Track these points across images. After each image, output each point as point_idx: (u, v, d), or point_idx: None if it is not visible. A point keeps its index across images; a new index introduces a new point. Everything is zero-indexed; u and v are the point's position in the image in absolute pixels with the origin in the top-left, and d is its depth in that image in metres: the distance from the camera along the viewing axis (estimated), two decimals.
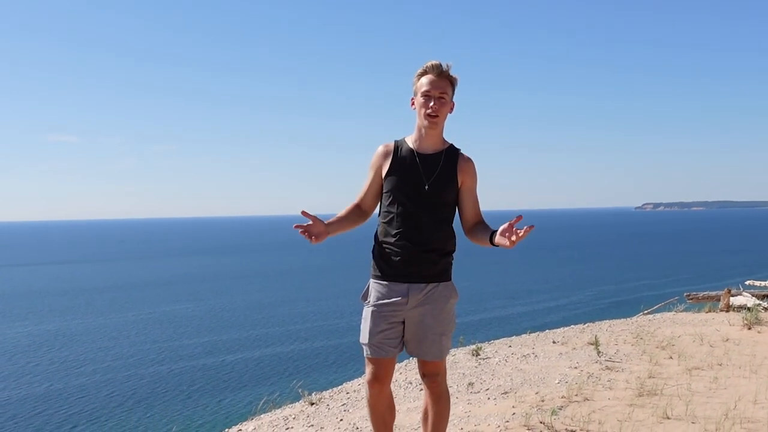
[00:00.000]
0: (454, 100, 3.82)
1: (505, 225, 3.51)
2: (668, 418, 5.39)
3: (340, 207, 4.03)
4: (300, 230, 3.65)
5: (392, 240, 3.77)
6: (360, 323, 3.93)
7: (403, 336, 3.85)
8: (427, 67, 3.76)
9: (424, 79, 3.74)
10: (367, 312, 3.87)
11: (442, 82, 3.72)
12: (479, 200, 3.94)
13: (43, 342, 42.40)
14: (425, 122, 3.74)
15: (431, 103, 3.70)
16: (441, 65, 3.73)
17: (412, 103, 3.83)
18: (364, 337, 3.86)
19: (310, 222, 3.71)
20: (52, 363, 36.60)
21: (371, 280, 3.90)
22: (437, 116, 3.71)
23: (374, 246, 3.91)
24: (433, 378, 3.87)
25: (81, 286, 75.20)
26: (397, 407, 5.13)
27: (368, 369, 3.90)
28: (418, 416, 6.01)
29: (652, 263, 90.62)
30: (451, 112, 3.82)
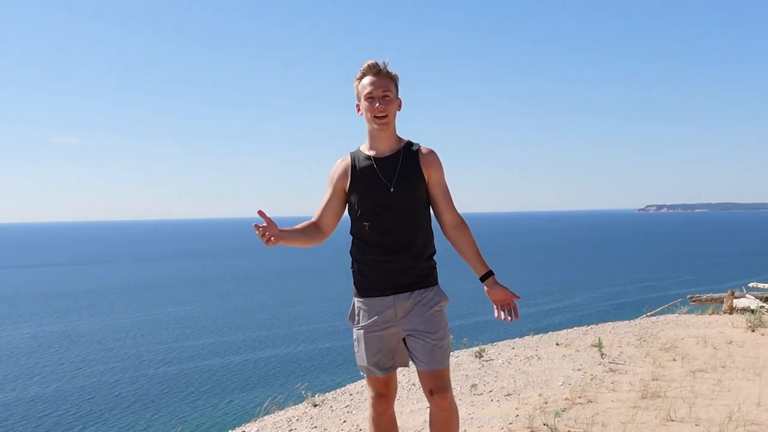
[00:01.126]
0: (400, 97, 3.67)
1: (507, 299, 3.64)
2: (672, 420, 5.37)
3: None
4: (258, 231, 3.57)
5: (368, 254, 3.63)
6: (354, 346, 3.79)
7: (397, 351, 3.71)
8: (363, 69, 3.62)
9: (365, 80, 3.60)
10: (358, 335, 3.73)
11: (383, 80, 3.58)
12: (451, 194, 3.76)
13: (49, 343, 42.36)
14: (374, 125, 3.60)
15: (376, 104, 3.55)
16: (377, 64, 3.59)
17: (358, 109, 3.68)
18: (360, 360, 3.74)
19: (265, 224, 3.61)
20: (59, 364, 36.58)
21: (355, 299, 3.77)
22: (386, 116, 3.57)
23: (352, 264, 3.78)
24: (443, 394, 3.59)
25: (85, 287, 75.26)
26: (400, 409, 5.12)
27: (370, 388, 3.80)
28: (422, 418, 6.01)
29: (655, 265, 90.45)
30: (399, 110, 3.67)
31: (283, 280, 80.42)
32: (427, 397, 3.70)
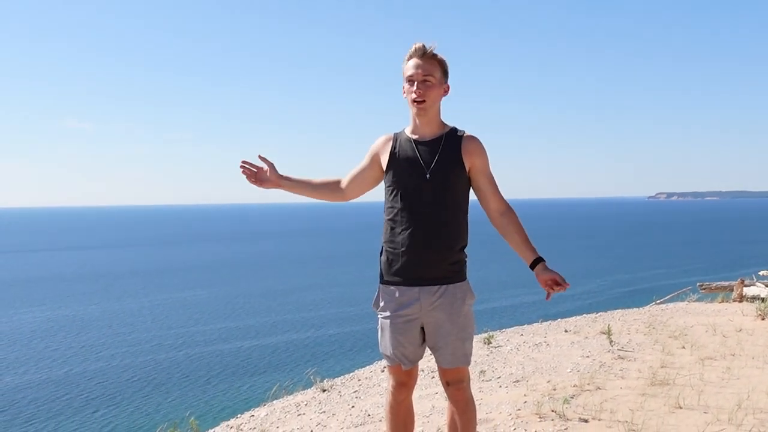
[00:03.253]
0: (449, 83, 3.59)
1: (557, 279, 3.49)
2: (680, 407, 5.34)
3: (366, 195, 3.91)
4: (243, 168, 3.70)
5: (398, 239, 3.53)
6: (378, 333, 3.73)
7: (421, 341, 3.64)
8: (411, 51, 3.52)
9: (410, 62, 3.51)
10: (382, 323, 3.65)
11: (427, 64, 3.48)
12: (496, 181, 3.67)
13: (61, 327, 42.74)
14: (413, 109, 3.53)
15: (414, 88, 3.47)
16: (424, 46, 3.48)
17: (403, 92, 3.60)
18: (383, 348, 3.67)
19: (263, 166, 3.72)
20: (70, 348, 36.94)
21: (380, 286, 3.67)
22: (424, 101, 3.48)
23: (381, 247, 3.68)
24: (458, 385, 3.61)
25: (97, 271, 75.65)
26: None
27: (392, 377, 3.74)
28: (430, 404, 6.00)
29: (664, 253, 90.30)
30: (445, 95, 3.60)
31: (294, 265, 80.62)
32: (444, 388, 3.71)
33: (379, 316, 3.68)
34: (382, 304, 3.65)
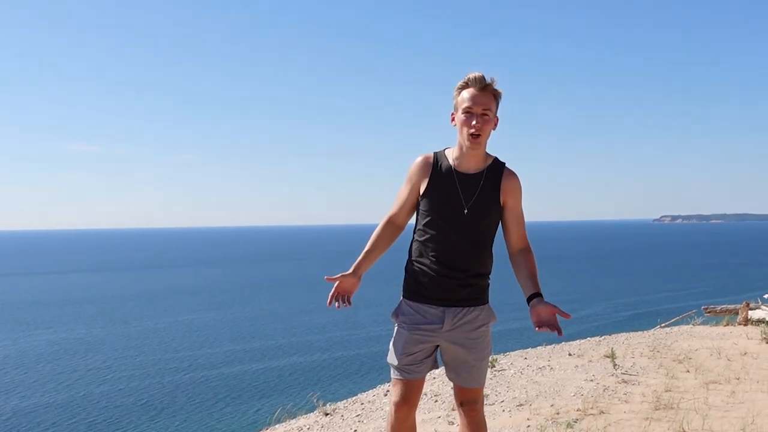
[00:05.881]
0: (498, 115, 3.51)
1: (550, 318, 3.42)
2: None
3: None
4: (335, 304, 3.65)
5: (428, 261, 3.54)
6: (390, 342, 3.69)
7: (431, 356, 3.62)
8: (468, 79, 3.42)
9: (466, 94, 3.41)
10: (399, 333, 3.63)
11: (486, 98, 3.39)
12: (525, 218, 3.68)
13: (67, 350, 42.65)
14: (467, 142, 3.44)
15: (473, 122, 3.38)
16: (484, 78, 3.39)
17: (452, 119, 3.51)
18: (392, 358, 3.63)
19: (337, 284, 3.63)
20: (76, 371, 36.83)
21: (403, 300, 3.67)
22: (480, 135, 3.40)
23: (408, 263, 3.67)
24: (472, 406, 3.62)
25: (104, 294, 75.57)
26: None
27: (396, 390, 3.64)
28: (432, 428, 5.95)
29: (669, 276, 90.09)
30: (494, 129, 3.50)
31: (299, 288, 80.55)
32: (456, 408, 3.69)
33: (396, 325, 3.67)
34: (402, 316, 3.64)
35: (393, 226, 3.74)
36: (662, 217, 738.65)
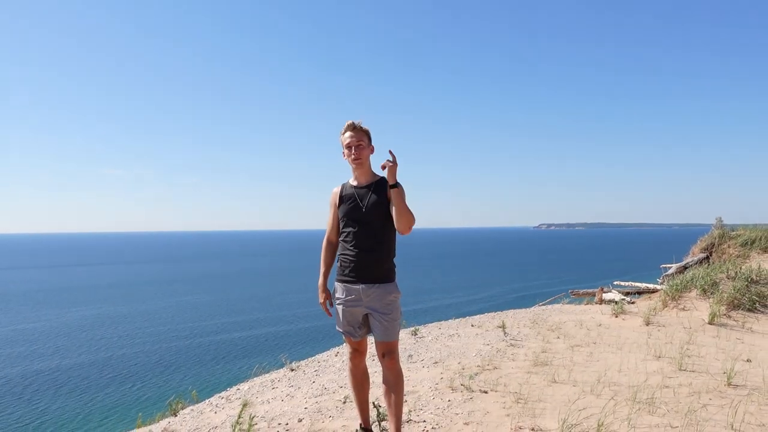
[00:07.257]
0: (373, 144, 3.83)
1: (386, 163, 3.58)
2: (556, 382, 5.32)
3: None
4: (330, 311, 3.94)
5: (348, 252, 3.78)
6: (335, 313, 3.93)
7: (366, 324, 3.85)
8: (345, 126, 3.77)
9: (345, 134, 3.77)
10: (337, 308, 3.87)
11: (358, 134, 3.74)
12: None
13: (98, 322, 42.34)
14: (353, 165, 3.79)
15: (352, 151, 3.74)
16: (353, 123, 3.75)
17: (343, 155, 3.82)
18: (338, 325, 3.91)
19: (326, 300, 3.91)
20: (104, 337, 36.79)
21: (336, 282, 3.88)
22: (359, 159, 3.75)
23: (338, 256, 3.90)
24: (390, 356, 3.74)
25: (124, 281, 74.68)
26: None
27: (347, 347, 4.00)
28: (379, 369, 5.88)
29: (545, 268, 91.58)
30: (372, 153, 3.83)
31: (274, 276, 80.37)
32: (380, 360, 3.80)
33: (335, 302, 3.89)
34: (337, 294, 3.86)
35: (331, 244, 3.96)
36: (540, 224, 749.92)
